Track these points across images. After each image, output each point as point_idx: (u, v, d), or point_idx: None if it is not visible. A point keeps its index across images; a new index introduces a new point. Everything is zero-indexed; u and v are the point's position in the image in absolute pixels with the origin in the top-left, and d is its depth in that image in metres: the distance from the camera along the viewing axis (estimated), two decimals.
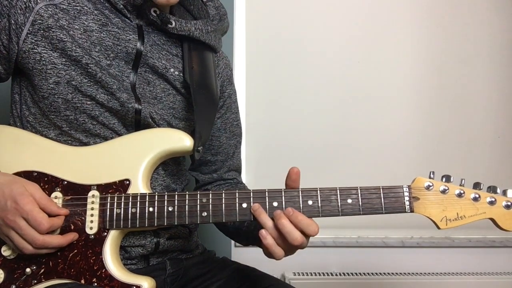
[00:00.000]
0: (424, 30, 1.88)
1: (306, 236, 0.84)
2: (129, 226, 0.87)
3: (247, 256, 1.52)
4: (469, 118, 1.89)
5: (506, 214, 0.86)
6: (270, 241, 0.84)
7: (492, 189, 0.88)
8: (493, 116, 1.90)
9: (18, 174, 0.89)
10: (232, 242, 1.70)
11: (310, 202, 0.86)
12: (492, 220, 0.87)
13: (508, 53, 1.91)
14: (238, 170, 1.21)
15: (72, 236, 0.86)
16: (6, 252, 0.86)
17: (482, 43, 1.90)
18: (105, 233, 0.87)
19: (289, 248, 0.85)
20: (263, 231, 0.84)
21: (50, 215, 0.83)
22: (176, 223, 0.87)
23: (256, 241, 0.93)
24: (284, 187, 0.89)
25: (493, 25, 1.91)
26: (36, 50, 0.90)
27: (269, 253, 0.86)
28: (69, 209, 0.87)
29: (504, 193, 0.87)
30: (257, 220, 0.85)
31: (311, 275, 1.72)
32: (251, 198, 0.87)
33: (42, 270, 0.85)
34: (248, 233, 1.02)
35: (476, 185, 0.88)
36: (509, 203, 0.86)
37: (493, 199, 0.87)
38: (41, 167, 0.90)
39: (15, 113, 0.98)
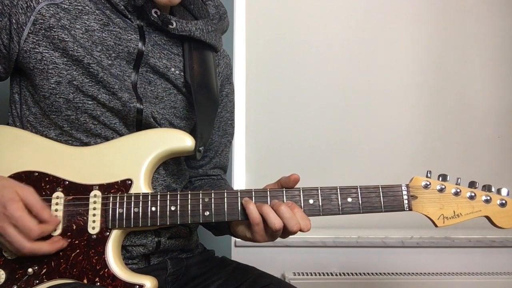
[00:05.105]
0: (424, 30, 1.89)
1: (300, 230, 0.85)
2: (132, 225, 0.87)
3: (246, 256, 1.53)
4: (469, 118, 1.89)
5: (501, 212, 0.88)
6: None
7: (487, 188, 0.89)
8: (493, 116, 1.91)
9: (19, 174, 0.89)
10: (232, 241, 1.70)
11: (311, 201, 0.87)
12: (487, 218, 0.88)
13: (508, 53, 1.92)
14: (224, 169, 1.21)
15: (60, 244, 0.85)
16: (6, 252, 0.85)
17: (482, 43, 1.91)
18: (107, 233, 0.87)
19: (272, 234, 0.86)
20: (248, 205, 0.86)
21: (41, 221, 0.82)
22: (178, 223, 0.88)
23: (229, 229, 0.96)
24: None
25: (493, 25, 1.92)
26: (37, 50, 0.90)
27: (252, 234, 0.87)
28: (71, 209, 0.87)
29: (498, 191, 0.89)
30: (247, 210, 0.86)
31: (311, 275, 1.72)
32: (253, 197, 0.87)
33: (44, 270, 0.85)
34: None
35: (472, 184, 0.89)
36: (503, 201, 0.88)
37: (489, 197, 0.88)
38: (42, 167, 0.90)
39: (15, 113, 0.97)
